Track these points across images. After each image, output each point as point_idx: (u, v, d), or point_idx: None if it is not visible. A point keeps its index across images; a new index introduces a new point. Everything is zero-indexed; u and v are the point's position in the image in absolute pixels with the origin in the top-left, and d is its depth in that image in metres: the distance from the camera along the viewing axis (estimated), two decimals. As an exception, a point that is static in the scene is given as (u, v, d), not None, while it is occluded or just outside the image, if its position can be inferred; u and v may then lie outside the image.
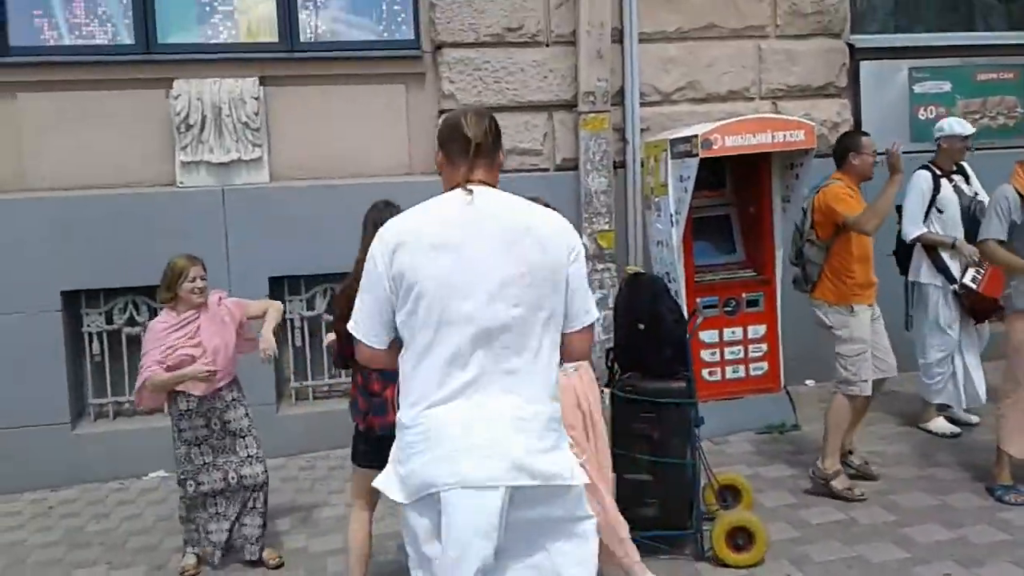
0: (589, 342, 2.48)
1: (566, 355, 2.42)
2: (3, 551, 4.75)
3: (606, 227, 6.18)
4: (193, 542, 4.36)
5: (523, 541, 2.30)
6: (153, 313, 5.90)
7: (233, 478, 4.25)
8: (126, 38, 6.01)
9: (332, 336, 3.74)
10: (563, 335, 2.38)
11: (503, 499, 2.23)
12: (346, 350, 3.50)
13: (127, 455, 5.69)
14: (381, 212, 3.63)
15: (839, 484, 4.57)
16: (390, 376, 3.08)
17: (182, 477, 4.28)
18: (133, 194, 5.85)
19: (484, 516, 2.22)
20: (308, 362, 6.19)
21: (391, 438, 2.56)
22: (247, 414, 4.32)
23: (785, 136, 5.00)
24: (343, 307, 3.33)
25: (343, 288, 3.63)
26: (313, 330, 6.20)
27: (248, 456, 4.27)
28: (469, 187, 2.39)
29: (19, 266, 5.57)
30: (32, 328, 5.58)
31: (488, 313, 2.28)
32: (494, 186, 2.46)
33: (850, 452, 4.83)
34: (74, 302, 5.81)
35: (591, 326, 2.43)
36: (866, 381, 4.55)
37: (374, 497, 3.54)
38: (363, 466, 3.58)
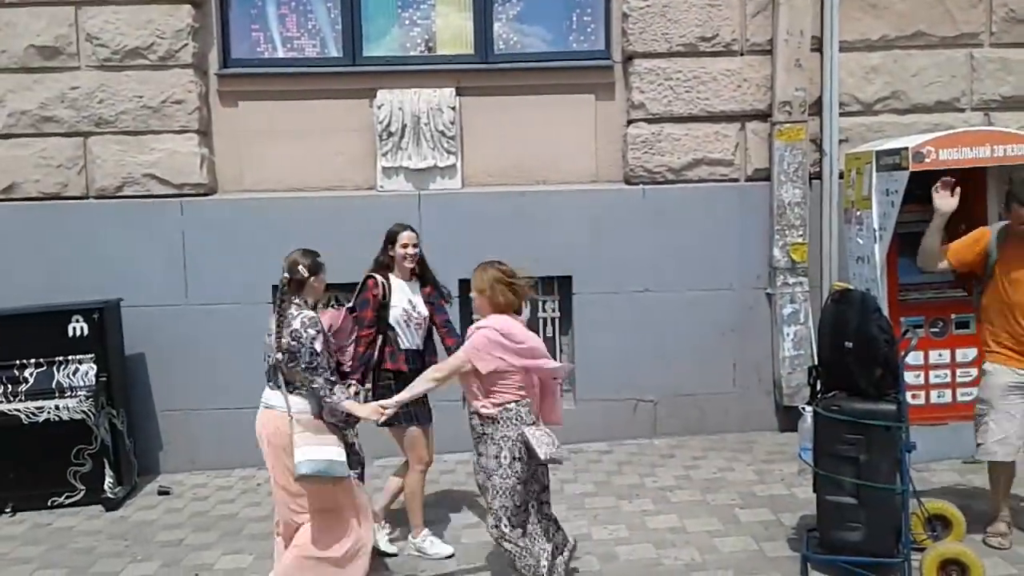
0: None
1: None
2: (220, 522, 5.19)
3: (799, 240, 6.04)
4: None
5: None
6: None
7: None
8: (333, 51, 6.40)
9: None
10: None
11: None
12: None
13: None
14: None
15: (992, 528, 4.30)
16: None
17: None
18: (337, 197, 6.22)
19: None
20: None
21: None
22: None
23: (1007, 150, 4.68)
24: None
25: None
26: (498, 332, 6.38)
27: None
28: None
29: (236, 261, 6.03)
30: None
31: None
32: None
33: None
34: (283, 296, 6.22)
35: None
36: (985, 447, 4.21)
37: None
38: None
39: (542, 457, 3.75)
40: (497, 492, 3.81)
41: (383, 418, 4.03)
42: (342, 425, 3.99)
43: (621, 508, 5.03)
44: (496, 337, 3.82)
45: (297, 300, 3.93)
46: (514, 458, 3.79)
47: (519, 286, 3.99)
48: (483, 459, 3.88)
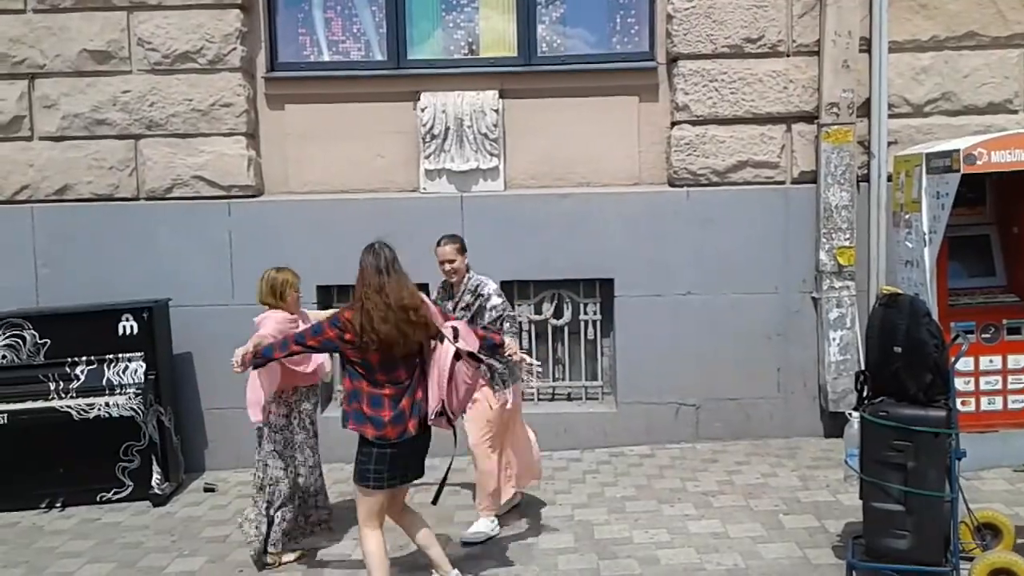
0: None
1: None
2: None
3: (846, 243, 5.95)
4: None
5: None
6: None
7: None
8: (378, 54, 6.45)
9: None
10: None
11: None
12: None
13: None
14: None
15: None
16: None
17: None
18: (381, 199, 6.27)
19: None
20: (534, 365, 6.38)
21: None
22: None
23: (1062, 152, 4.57)
24: None
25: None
26: (539, 332, 6.40)
27: None
28: None
29: (282, 262, 6.00)
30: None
31: None
32: None
33: None
34: (327, 296, 6.31)
35: None
36: None
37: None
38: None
39: None
40: None
41: None
42: None
43: (662, 512, 5.00)
44: None
45: None
46: None
47: None
48: None
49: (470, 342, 3.89)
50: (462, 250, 4.83)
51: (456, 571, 3.98)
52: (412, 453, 3.82)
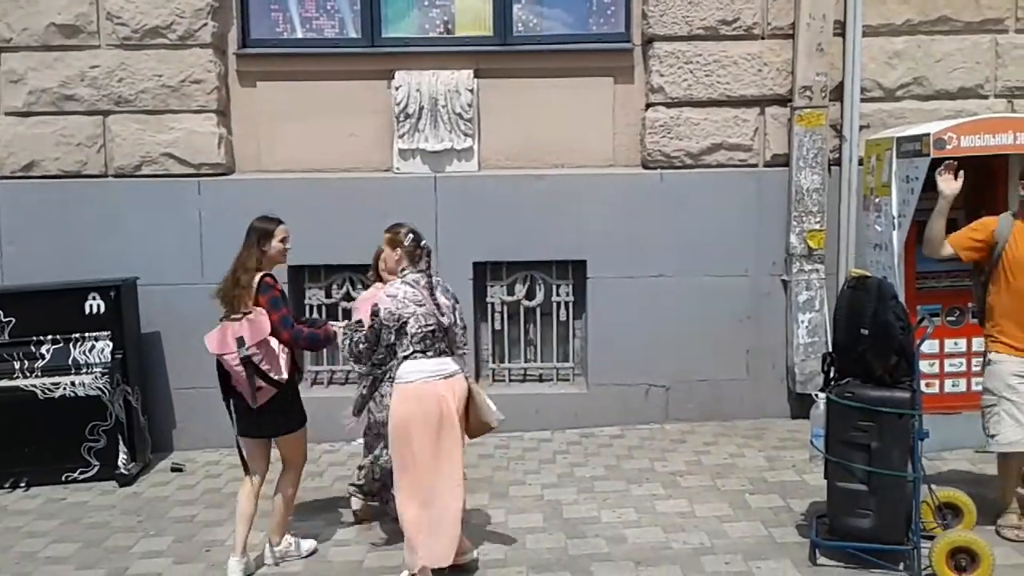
0: None
1: None
2: (232, 499, 5.11)
3: (817, 227, 5.98)
4: None
5: None
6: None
7: None
8: (352, 32, 6.38)
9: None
10: None
11: None
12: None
13: (337, 421, 6.06)
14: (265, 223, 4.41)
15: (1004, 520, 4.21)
16: None
17: None
18: (354, 178, 6.22)
19: None
20: (507, 345, 6.38)
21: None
22: None
23: (1030, 138, 4.62)
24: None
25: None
26: (511, 314, 6.39)
27: None
28: None
29: (253, 241, 6.04)
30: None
31: None
32: None
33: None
34: (298, 276, 6.27)
35: None
36: (1002, 437, 4.07)
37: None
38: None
39: None
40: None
41: None
42: None
43: (631, 492, 5.02)
44: None
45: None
46: None
47: None
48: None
49: (252, 333, 4.07)
50: (394, 243, 4.10)
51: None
52: (248, 413, 4.17)
